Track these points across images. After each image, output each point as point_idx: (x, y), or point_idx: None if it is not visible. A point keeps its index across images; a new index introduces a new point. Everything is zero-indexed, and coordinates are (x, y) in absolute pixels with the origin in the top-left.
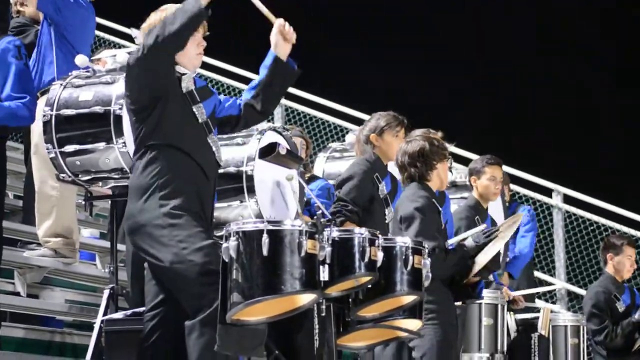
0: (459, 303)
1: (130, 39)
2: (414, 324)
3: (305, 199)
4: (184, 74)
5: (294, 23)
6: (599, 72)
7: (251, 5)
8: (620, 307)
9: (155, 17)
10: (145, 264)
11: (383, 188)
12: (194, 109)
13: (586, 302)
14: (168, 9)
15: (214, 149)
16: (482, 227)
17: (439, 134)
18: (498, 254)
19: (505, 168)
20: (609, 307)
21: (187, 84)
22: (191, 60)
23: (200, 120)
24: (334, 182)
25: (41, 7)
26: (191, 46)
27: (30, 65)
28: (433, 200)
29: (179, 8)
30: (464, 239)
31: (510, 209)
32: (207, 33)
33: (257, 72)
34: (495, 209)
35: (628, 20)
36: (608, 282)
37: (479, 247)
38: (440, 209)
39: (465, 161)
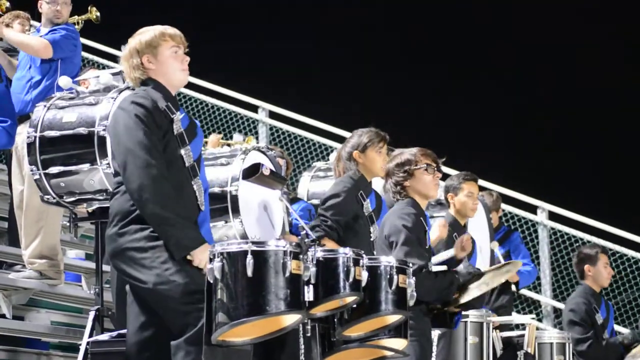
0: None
1: (113, 59)
2: (399, 343)
3: (289, 220)
4: (174, 115)
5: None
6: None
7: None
8: (599, 319)
9: (134, 42)
10: (127, 287)
11: (368, 206)
12: (182, 152)
13: (567, 312)
14: (144, 33)
15: (197, 193)
16: (450, 252)
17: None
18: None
19: (490, 185)
20: (590, 318)
21: (177, 126)
22: (178, 78)
23: (187, 164)
24: (319, 201)
25: (60, 56)
26: (175, 63)
27: (25, 92)
28: (421, 218)
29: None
30: (444, 261)
31: (499, 233)
32: (187, 49)
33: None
34: (478, 228)
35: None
36: (587, 293)
37: (470, 276)
38: (427, 228)
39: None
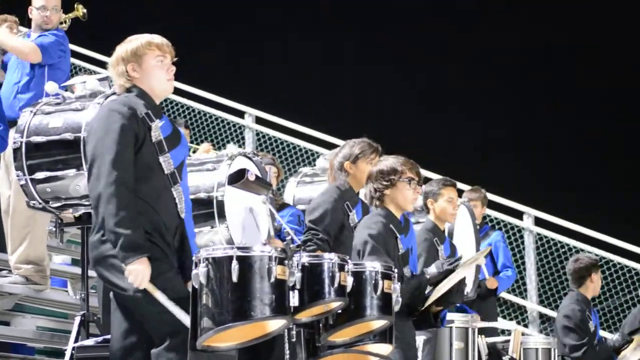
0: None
1: (101, 64)
2: (384, 349)
3: (276, 226)
4: (152, 122)
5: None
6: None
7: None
8: (592, 326)
9: (120, 50)
10: (111, 294)
11: (354, 216)
12: (161, 160)
13: (561, 319)
14: (131, 41)
15: (176, 200)
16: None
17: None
18: (461, 286)
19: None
20: (584, 324)
21: (156, 134)
22: (162, 87)
23: (166, 172)
24: (305, 207)
25: (48, 61)
26: (160, 72)
27: (12, 97)
28: (391, 225)
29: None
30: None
31: (481, 232)
32: (176, 58)
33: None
34: (464, 233)
35: None
36: (581, 301)
37: (442, 275)
38: (397, 234)
39: None
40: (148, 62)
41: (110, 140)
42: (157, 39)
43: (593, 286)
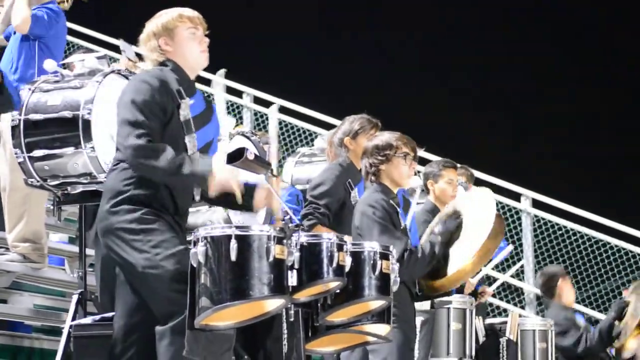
0: (427, 307)
1: (100, 43)
2: (382, 329)
3: None
4: (183, 100)
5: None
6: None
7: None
8: (580, 322)
9: (151, 25)
10: (117, 269)
11: (355, 194)
12: (187, 140)
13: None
14: (162, 15)
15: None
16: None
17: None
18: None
19: (474, 172)
20: (574, 324)
21: (184, 113)
22: (196, 60)
23: (189, 152)
24: (306, 186)
25: (35, 32)
26: (193, 45)
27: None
28: (390, 201)
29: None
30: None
31: None
32: (208, 31)
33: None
34: None
35: None
36: (562, 308)
37: (449, 234)
38: (398, 209)
39: None
40: (180, 34)
41: (139, 112)
42: (188, 11)
43: (565, 293)
